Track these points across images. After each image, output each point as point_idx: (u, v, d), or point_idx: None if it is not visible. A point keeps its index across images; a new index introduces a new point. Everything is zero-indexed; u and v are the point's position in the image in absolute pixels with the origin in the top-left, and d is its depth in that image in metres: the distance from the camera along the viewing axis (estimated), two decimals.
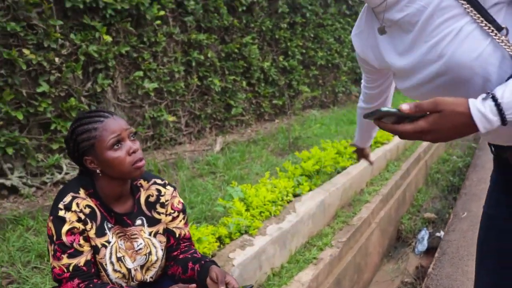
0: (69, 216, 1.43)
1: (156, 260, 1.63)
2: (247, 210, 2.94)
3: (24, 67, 3.05)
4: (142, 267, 1.60)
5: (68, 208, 1.43)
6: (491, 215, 1.34)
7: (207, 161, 4.34)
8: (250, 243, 2.66)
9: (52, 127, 3.33)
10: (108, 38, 3.58)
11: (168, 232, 1.68)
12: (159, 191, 1.68)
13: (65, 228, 1.42)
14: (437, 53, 1.03)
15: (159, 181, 1.71)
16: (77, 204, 1.45)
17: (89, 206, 1.49)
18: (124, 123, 1.50)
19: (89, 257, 1.46)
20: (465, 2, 0.97)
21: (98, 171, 1.49)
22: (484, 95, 0.90)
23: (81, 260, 1.43)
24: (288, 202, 3.26)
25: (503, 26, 0.96)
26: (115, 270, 1.52)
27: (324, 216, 3.48)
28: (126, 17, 3.82)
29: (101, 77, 3.64)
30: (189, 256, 1.66)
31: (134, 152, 1.48)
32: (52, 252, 1.43)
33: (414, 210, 4.76)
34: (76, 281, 1.42)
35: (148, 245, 1.61)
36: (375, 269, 3.83)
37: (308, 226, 3.22)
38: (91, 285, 1.42)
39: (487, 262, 1.35)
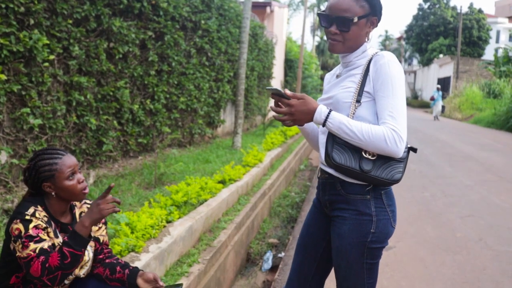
0: (33, 219, 1.95)
1: (88, 260, 2.21)
2: (132, 232, 3.54)
3: None
4: None
5: (33, 215, 1.96)
6: (306, 224, 2.26)
7: None
8: (137, 258, 3.26)
9: None
10: (3, 77, 3.95)
11: (94, 239, 2.28)
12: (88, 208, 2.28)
13: (32, 224, 1.93)
14: (335, 89, 2.02)
15: (88, 201, 2.32)
16: (39, 214, 1.99)
17: (46, 216, 2.03)
18: (75, 160, 2.12)
19: (50, 244, 1.96)
20: (359, 82, 1.93)
21: (53, 193, 2.06)
22: (329, 108, 1.88)
23: (44, 244, 1.93)
24: (163, 227, 3.92)
25: (362, 101, 1.92)
26: None
27: (191, 239, 4.20)
28: (20, 58, 4.22)
29: None
30: (115, 261, 2.28)
31: (82, 181, 2.10)
32: (20, 245, 1.90)
33: (260, 236, 5.71)
34: (41, 257, 1.90)
35: None
36: (231, 284, 4.62)
37: (179, 247, 3.90)
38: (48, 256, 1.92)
39: (296, 255, 2.29)
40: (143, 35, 6.44)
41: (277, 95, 1.88)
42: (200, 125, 9.13)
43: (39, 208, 2.02)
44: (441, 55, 39.66)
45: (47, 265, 1.88)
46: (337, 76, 2.09)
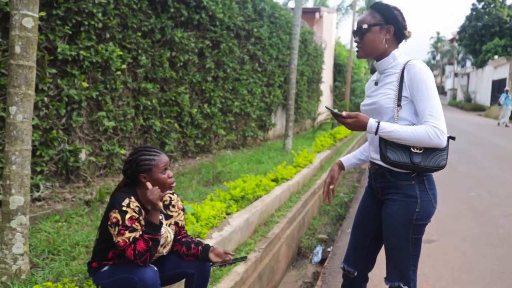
0: (129, 210, 2.39)
1: (170, 241, 2.65)
2: (197, 221, 3.99)
3: None
4: (161, 245, 2.60)
5: (128, 205, 2.39)
6: (360, 208, 2.62)
7: None
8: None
9: (38, 153, 4.16)
10: (85, 84, 4.52)
11: (175, 223, 2.71)
12: (170, 197, 2.72)
13: (128, 216, 2.37)
14: (376, 96, 2.39)
15: (170, 191, 2.75)
16: (132, 204, 2.43)
17: (137, 206, 2.47)
18: (167, 158, 2.55)
19: (141, 232, 2.41)
20: (397, 89, 2.29)
21: (147, 184, 2.49)
22: (377, 120, 2.23)
23: (137, 234, 2.38)
24: (224, 218, 4.35)
25: (402, 105, 2.28)
26: None
27: (248, 230, 4.61)
28: (97, 68, 4.79)
29: (75, 115, 4.54)
30: (190, 240, 2.71)
31: (171, 177, 2.53)
32: (117, 232, 2.34)
33: (310, 232, 6.06)
34: (133, 245, 2.36)
35: (166, 231, 2.61)
36: (283, 273, 5.00)
37: (238, 236, 4.32)
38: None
39: (353, 234, 2.65)
40: (201, 44, 6.97)
41: (335, 115, 2.28)
42: (253, 128, 9.59)
43: (132, 199, 2.45)
44: (496, 56, 38.49)
45: (137, 251, 2.33)
46: (376, 83, 2.45)
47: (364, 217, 2.63)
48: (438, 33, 65.99)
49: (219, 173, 6.26)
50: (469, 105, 41.99)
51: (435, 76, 74.75)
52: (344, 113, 2.25)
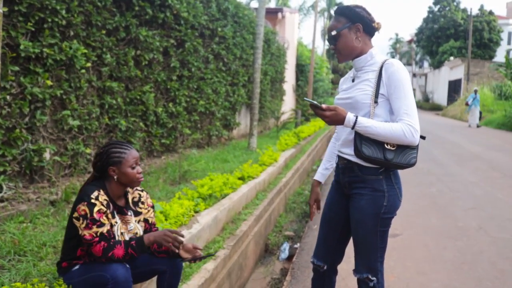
0: (97, 202, 2.39)
1: None
2: (166, 219, 3.99)
3: None
4: None
5: (96, 198, 2.39)
6: (328, 203, 2.69)
7: None
8: None
9: (0, 153, 4.05)
10: (49, 82, 4.44)
11: (144, 220, 2.72)
12: (139, 194, 2.73)
13: (96, 209, 2.37)
14: (353, 91, 2.44)
15: (139, 188, 2.76)
16: (101, 197, 2.43)
17: (105, 199, 2.47)
18: (138, 154, 2.56)
19: (108, 228, 2.42)
20: (374, 86, 2.36)
21: (115, 177, 2.50)
22: (356, 115, 2.28)
23: (104, 229, 2.38)
24: (192, 216, 4.36)
25: (378, 101, 2.34)
26: None
27: (216, 228, 4.63)
28: (61, 66, 4.70)
29: (38, 114, 4.45)
30: None
31: (140, 172, 2.54)
32: (84, 225, 2.33)
33: (277, 229, 6.13)
34: (102, 243, 2.37)
35: (135, 227, 2.62)
36: (251, 270, 5.05)
37: (206, 233, 4.34)
38: (110, 243, 2.39)
39: (321, 229, 2.72)
40: (166, 43, 6.94)
41: (314, 106, 2.31)
42: (218, 127, 9.61)
43: (101, 192, 2.45)
44: (451, 58, 39.81)
45: (110, 253, 2.33)
46: (353, 80, 2.52)
47: (332, 211, 2.69)
48: (396, 35, 67.75)
49: (186, 172, 6.25)
50: (428, 105, 43.27)
51: None
52: (323, 106, 2.29)
